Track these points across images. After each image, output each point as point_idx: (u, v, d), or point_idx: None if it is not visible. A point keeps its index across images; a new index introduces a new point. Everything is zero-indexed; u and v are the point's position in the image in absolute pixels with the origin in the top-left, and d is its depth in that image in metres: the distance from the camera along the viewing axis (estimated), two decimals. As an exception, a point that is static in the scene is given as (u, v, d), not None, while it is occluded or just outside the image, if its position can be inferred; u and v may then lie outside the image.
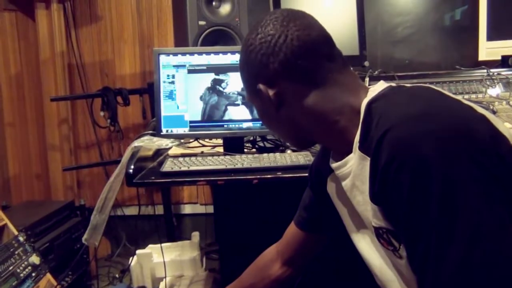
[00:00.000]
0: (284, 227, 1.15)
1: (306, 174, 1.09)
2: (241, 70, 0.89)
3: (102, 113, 2.41)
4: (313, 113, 0.81)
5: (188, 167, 1.38)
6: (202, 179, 1.37)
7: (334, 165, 0.85)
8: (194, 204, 2.90)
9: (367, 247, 0.86)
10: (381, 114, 0.70)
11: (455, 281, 0.59)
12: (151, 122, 1.86)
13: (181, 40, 2.10)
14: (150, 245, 2.14)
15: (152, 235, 2.71)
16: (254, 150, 1.67)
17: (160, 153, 1.64)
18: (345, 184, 0.82)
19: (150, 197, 2.83)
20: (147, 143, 1.55)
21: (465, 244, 0.59)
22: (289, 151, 1.54)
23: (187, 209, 2.91)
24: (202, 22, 1.94)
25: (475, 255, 0.58)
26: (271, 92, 0.82)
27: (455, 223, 0.59)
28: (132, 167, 1.39)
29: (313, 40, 0.80)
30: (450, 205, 0.60)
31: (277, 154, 1.48)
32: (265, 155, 1.47)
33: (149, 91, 2.42)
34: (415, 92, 0.74)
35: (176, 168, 1.38)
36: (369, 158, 0.71)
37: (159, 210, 2.62)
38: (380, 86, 0.79)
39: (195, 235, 2.26)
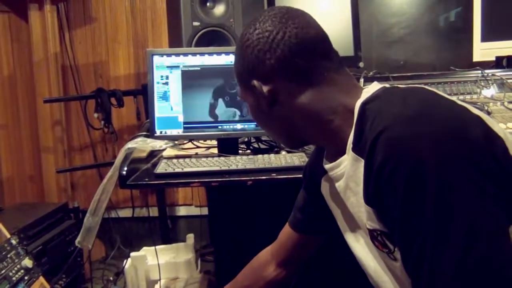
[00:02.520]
0: (279, 229, 1.14)
1: (301, 175, 1.08)
2: (235, 65, 0.88)
3: (96, 115, 2.39)
4: (306, 111, 0.80)
5: (182, 169, 1.37)
6: (196, 180, 1.36)
7: (327, 166, 0.85)
8: (189, 206, 2.89)
9: (361, 248, 0.85)
10: (375, 115, 0.69)
11: (451, 284, 0.58)
12: (145, 123, 1.85)
13: (175, 41, 2.10)
14: (144, 248, 2.13)
15: (146, 237, 2.70)
16: (248, 151, 1.66)
17: (154, 154, 1.63)
18: (339, 185, 0.82)
19: (145, 199, 2.82)
20: (141, 145, 1.54)
21: (461, 247, 0.58)
22: (283, 152, 1.54)
23: (182, 211, 2.90)
24: (196, 23, 1.93)
25: (471, 258, 0.58)
26: (265, 89, 0.81)
27: (451, 225, 0.59)
28: (126, 169, 1.38)
29: (311, 39, 0.80)
30: (446, 207, 0.59)
31: (272, 155, 1.47)
32: (259, 156, 1.47)
33: (143, 93, 2.41)
34: (409, 93, 0.74)
35: (170, 170, 1.37)
36: (362, 160, 0.70)
37: (154, 212, 2.61)
38: (374, 87, 0.79)
39: (190, 237, 2.25)
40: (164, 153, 1.61)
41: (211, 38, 1.96)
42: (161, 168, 1.38)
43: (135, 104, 2.51)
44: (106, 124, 2.38)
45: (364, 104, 0.74)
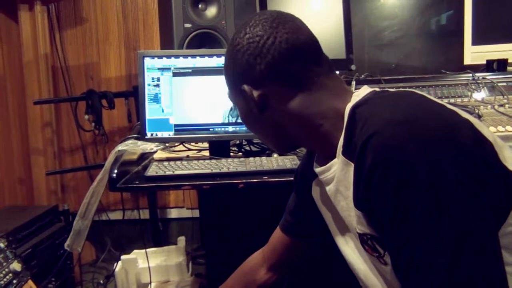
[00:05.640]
0: (270, 232, 1.14)
1: (292, 178, 1.08)
2: (225, 69, 0.87)
3: (86, 117, 2.37)
4: (297, 116, 0.80)
5: (173, 171, 1.36)
6: (187, 183, 1.35)
7: (318, 169, 0.84)
8: (181, 208, 2.88)
9: (351, 252, 0.85)
10: (365, 119, 0.69)
11: (441, 288, 0.58)
12: (136, 125, 1.84)
13: (167, 43, 2.08)
14: (135, 250, 2.11)
15: (137, 240, 2.68)
16: (240, 154, 1.65)
17: (145, 157, 1.61)
18: (329, 189, 0.82)
19: (136, 201, 2.80)
20: (132, 147, 1.53)
21: (451, 251, 0.58)
22: (275, 155, 1.53)
23: (173, 213, 2.89)
24: (188, 25, 1.92)
25: (461, 262, 0.57)
26: (255, 94, 0.81)
27: (441, 229, 0.58)
28: (116, 171, 1.36)
29: (301, 44, 0.79)
30: (435, 211, 0.59)
31: (263, 158, 1.47)
32: (251, 159, 1.46)
33: (134, 94, 2.40)
34: (399, 97, 0.73)
35: (160, 173, 1.36)
36: (352, 164, 0.70)
37: (145, 214, 2.59)
38: (364, 90, 0.79)
39: (181, 240, 2.24)
40: (155, 156, 1.60)
41: (203, 40, 1.95)
42: (152, 170, 1.37)
43: (126, 106, 2.49)
44: (96, 126, 2.36)
45: (354, 108, 0.74)
